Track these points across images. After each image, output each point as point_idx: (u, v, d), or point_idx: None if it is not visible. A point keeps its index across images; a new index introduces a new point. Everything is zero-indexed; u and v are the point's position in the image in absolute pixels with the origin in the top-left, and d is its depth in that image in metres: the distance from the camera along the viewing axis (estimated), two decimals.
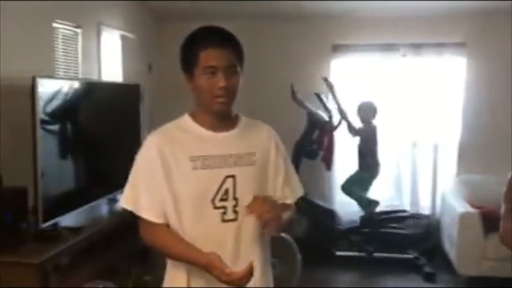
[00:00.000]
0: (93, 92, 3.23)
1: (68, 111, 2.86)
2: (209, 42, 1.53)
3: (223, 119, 1.61)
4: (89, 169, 3.13)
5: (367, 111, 4.60)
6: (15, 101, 2.65)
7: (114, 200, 3.47)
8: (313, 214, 4.65)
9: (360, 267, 4.53)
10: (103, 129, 3.24)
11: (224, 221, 1.58)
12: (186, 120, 1.63)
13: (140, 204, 1.57)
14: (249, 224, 1.60)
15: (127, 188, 1.61)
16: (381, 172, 4.68)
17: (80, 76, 3.61)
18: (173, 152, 1.57)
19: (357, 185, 4.66)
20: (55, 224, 2.54)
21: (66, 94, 2.81)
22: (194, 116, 1.62)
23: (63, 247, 2.43)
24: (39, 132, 2.41)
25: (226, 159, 1.58)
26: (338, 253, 4.65)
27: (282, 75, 4.70)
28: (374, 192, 4.75)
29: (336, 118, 4.67)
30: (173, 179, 1.55)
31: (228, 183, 1.58)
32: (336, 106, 4.59)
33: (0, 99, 2.64)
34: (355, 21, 4.85)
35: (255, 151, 1.64)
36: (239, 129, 1.65)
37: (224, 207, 1.58)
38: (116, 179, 3.40)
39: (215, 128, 1.60)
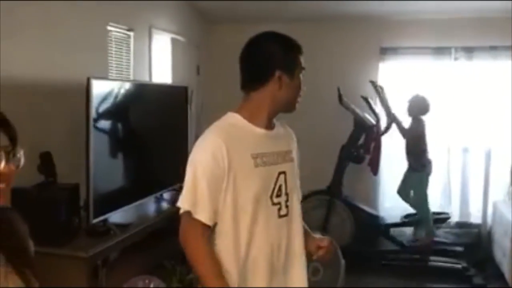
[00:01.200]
0: (143, 93, 3.31)
1: (119, 111, 2.95)
2: (300, 47, 1.67)
3: (271, 119, 1.68)
4: (138, 168, 3.21)
5: (418, 106, 4.43)
6: (70, 100, 2.77)
7: (161, 199, 3.55)
8: (358, 219, 4.58)
9: (405, 274, 4.42)
10: (152, 130, 3.32)
11: (280, 216, 1.63)
12: (237, 118, 1.62)
13: (199, 207, 1.55)
14: (296, 219, 1.68)
15: (187, 189, 1.57)
16: (430, 179, 4.53)
17: (131, 77, 3.72)
18: (236, 150, 1.55)
19: (413, 187, 4.48)
20: (105, 220, 2.63)
21: (117, 95, 2.90)
22: (243, 114, 1.63)
23: (112, 242, 2.51)
24: (92, 131, 2.50)
25: (278, 156, 1.65)
26: (382, 260, 4.55)
27: (329, 78, 4.67)
28: None
29: (383, 121, 4.60)
30: (238, 177, 1.55)
31: (281, 179, 1.63)
32: (384, 109, 4.51)
33: (57, 98, 2.76)
34: (404, 23, 4.76)
35: (291, 149, 1.73)
36: (277, 128, 1.72)
37: (279, 203, 1.62)
38: (163, 178, 3.50)
39: (265, 126, 1.65)
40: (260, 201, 1.58)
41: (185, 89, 3.81)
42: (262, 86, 1.61)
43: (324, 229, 4.34)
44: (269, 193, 1.60)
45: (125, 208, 2.91)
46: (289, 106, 1.67)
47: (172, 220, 3.23)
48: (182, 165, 3.86)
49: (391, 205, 4.76)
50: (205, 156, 1.56)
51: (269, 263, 1.61)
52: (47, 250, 2.09)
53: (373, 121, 4.55)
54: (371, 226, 4.63)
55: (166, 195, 3.61)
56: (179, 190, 3.55)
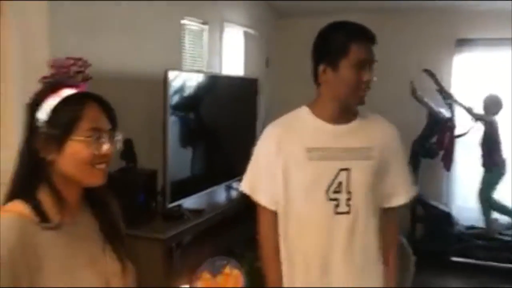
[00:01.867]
0: (215, 85, 3.42)
1: (192, 102, 3.07)
2: (362, 36, 1.54)
3: (343, 112, 1.61)
4: (209, 158, 3.33)
5: (492, 104, 4.31)
6: (148, 91, 2.92)
7: (231, 188, 3.66)
8: (429, 216, 4.47)
9: (475, 275, 4.26)
10: (223, 120, 3.42)
11: (337, 213, 1.58)
12: (304, 111, 1.65)
13: (257, 190, 1.65)
14: (364, 218, 1.59)
15: (247, 174, 1.70)
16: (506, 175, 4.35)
17: (204, 69, 3.84)
18: (290, 142, 1.61)
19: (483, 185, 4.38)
20: (179, 206, 2.76)
21: (192, 86, 3.03)
22: (312, 108, 1.64)
23: (186, 226, 2.63)
24: (170, 120, 2.62)
25: (342, 152, 1.58)
26: (454, 258, 4.42)
27: (402, 70, 4.56)
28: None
29: (458, 116, 4.45)
30: (289, 168, 1.59)
31: (342, 176, 1.57)
32: (440, 94, 4.38)
33: (136, 89, 2.92)
34: (481, 14, 4.54)
35: (373, 146, 1.61)
36: (358, 122, 1.63)
37: (337, 200, 1.58)
38: (233, 168, 3.60)
39: (334, 120, 1.60)
40: (311, 195, 1.58)
41: (255, 82, 3.88)
42: (319, 79, 1.61)
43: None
44: (324, 188, 1.57)
45: (198, 194, 3.04)
46: (348, 99, 1.58)
47: (241, 208, 3.37)
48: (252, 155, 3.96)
49: (464, 200, 4.59)
50: (261, 144, 1.68)
51: (319, 258, 1.60)
52: (127, 231, 2.23)
53: (447, 115, 4.41)
54: (444, 224, 4.49)
55: (236, 184, 3.72)
56: None
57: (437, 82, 4.39)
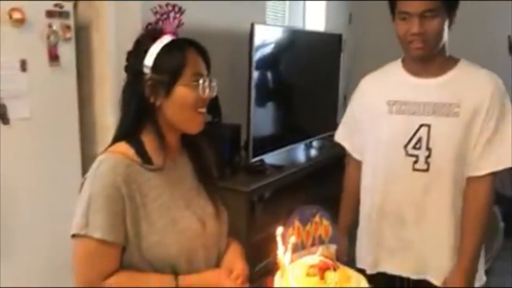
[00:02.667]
0: (299, 40, 3.35)
1: (276, 57, 3.05)
2: None
3: (427, 65, 1.53)
4: (290, 115, 3.32)
5: None
6: (232, 46, 2.93)
7: (311, 146, 3.65)
8: None
9: None
10: (305, 77, 3.37)
11: (414, 170, 1.54)
12: (395, 64, 1.63)
13: (346, 138, 1.76)
14: (442, 178, 1.52)
15: (341, 123, 1.79)
16: None
17: (286, 24, 3.79)
18: (374, 94, 1.62)
19: None
20: (262, 160, 2.80)
21: (276, 41, 3.00)
22: (404, 61, 1.61)
23: (268, 181, 2.68)
24: (254, 75, 2.63)
25: (424, 106, 1.52)
26: None
27: (499, 25, 4.23)
28: None
29: None
30: (371, 121, 1.61)
31: (423, 132, 1.52)
32: None
33: (221, 44, 2.94)
34: None
35: (461, 102, 1.49)
36: (448, 76, 1.53)
37: (416, 156, 1.53)
38: (313, 126, 3.58)
39: (419, 73, 1.54)
40: (390, 149, 1.56)
41: (339, 37, 3.78)
42: None
43: None
44: (403, 143, 1.54)
45: (279, 151, 3.06)
46: (406, 52, 1.54)
47: (319, 167, 3.36)
48: (333, 114, 3.89)
49: None
50: (353, 95, 1.74)
51: (396, 212, 1.58)
52: None
53: None
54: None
55: (315, 142, 3.70)
56: (328, 139, 3.63)
57: None
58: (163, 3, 1.23)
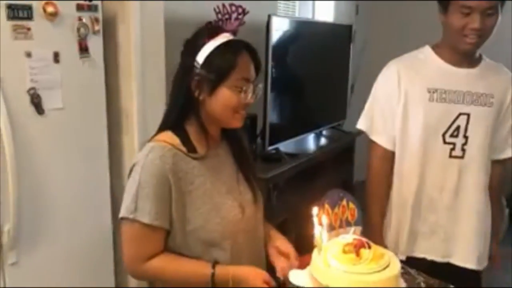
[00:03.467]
0: (311, 31, 3.41)
1: (290, 48, 3.12)
2: None
3: (465, 56, 1.61)
4: (302, 104, 3.40)
5: None
6: (246, 37, 2.98)
7: (320, 135, 3.73)
8: None
9: None
10: (317, 68, 3.44)
11: (451, 156, 1.62)
12: (427, 51, 1.67)
13: (375, 128, 1.72)
14: (476, 165, 1.62)
15: (365, 112, 1.75)
16: None
17: (296, 15, 3.85)
18: (412, 81, 1.63)
19: None
20: (277, 149, 2.88)
21: (290, 33, 3.06)
22: (436, 49, 1.66)
23: (285, 168, 2.77)
24: (271, 65, 2.70)
25: (464, 96, 1.60)
26: None
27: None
28: None
29: None
30: (409, 108, 1.63)
31: (461, 120, 1.60)
32: None
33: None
34: None
35: (494, 93, 1.61)
36: (480, 68, 1.63)
37: (453, 143, 1.61)
38: (323, 116, 3.66)
39: (457, 63, 1.61)
40: (428, 136, 1.62)
41: (349, 28, 3.84)
42: (441, 19, 1.60)
43: None
44: (442, 131, 1.61)
45: (293, 140, 3.14)
46: (456, 44, 1.57)
47: (329, 156, 3.44)
48: (343, 104, 3.96)
49: None
50: (380, 81, 1.71)
51: (430, 197, 1.66)
52: None
53: None
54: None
55: (326, 131, 3.78)
56: (337, 128, 3.70)
57: None
58: (223, 2, 1.28)
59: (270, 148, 2.81)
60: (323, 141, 3.71)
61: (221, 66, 1.20)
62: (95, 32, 1.98)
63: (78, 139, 1.98)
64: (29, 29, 1.76)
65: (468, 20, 1.50)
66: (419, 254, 1.70)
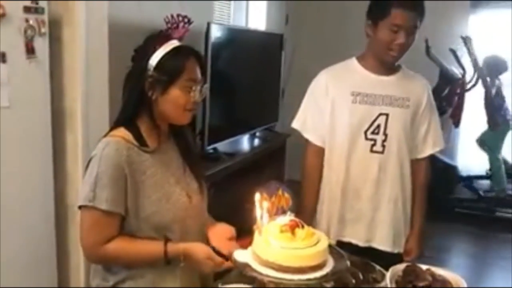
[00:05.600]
0: (245, 39, 3.63)
1: (225, 54, 3.29)
2: (403, 4, 1.71)
3: (384, 65, 1.85)
4: (237, 108, 3.58)
5: (495, 65, 4.54)
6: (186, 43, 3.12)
7: (254, 136, 3.94)
8: (436, 168, 4.74)
9: (478, 224, 4.60)
10: (251, 73, 3.65)
11: (372, 151, 1.86)
12: (352, 62, 1.91)
13: (307, 127, 1.93)
14: (395, 158, 1.86)
15: (299, 113, 1.96)
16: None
17: (231, 23, 4.03)
18: (338, 86, 1.87)
19: (490, 141, 4.69)
20: (215, 148, 3.04)
21: (227, 40, 3.23)
22: (360, 59, 1.90)
23: (222, 166, 2.93)
24: (209, 71, 2.85)
25: (383, 98, 1.83)
26: (457, 209, 4.75)
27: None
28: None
29: (469, 75, 4.66)
30: (336, 109, 1.86)
31: (381, 120, 1.83)
32: (472, 61, 4.57)
33: None
34: None
35: (410, 97, 1.85)
36: (398, 76, 1.88)
37: (374, 140, 1.85)
38: (256, 119, 3.87)
39: (377, 71, 1.85)
40: (352, 134, 1.85)
41: (280, 37, 4.09)
42: (367, 34, 1.83)
43: None
44: (364, 129, 1.84)
45: (229, 140, 3.32)
46: (382, 57, 1.80)
47: (263, 154, 3.65)
48: (275, 107, 4.21)
49: (470, 157, 4.89)
50: (312, 87, 1.95)
51: (355, 188, 1.89)
52: None
53: (459, 75, 4.62)
54: (448, 176, 4.79)
55: (260, 133, 4.00)
56: (270, 130, 3.93)
57: (468, 46, 4.56)
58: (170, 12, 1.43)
59: (209, 148, 2.96)
60: (257, 141, 3.92)
61: (172, 69, 1.35)
62: (41, 34, 2.04)
63: (23, 136, 2.03)
64: None
65: (395, 36, 1.74)
66: (346, 238, 1.91)
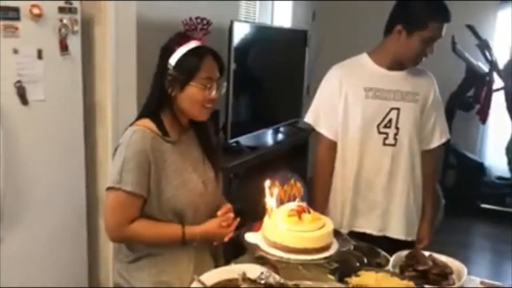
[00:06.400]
0: (270, 36, 3.71)
1: (250, 51, 3.40)
2: (441, 18, 1.81)
3: (397, 63, 1.91)
4: (261, 103, 3.68)
5: None
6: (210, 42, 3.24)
7: (277, 131, 4.04)
8: (462, 165, 4.75)
9: (504, 221, 4.56)
10: (275, 69, 3.74)
11: (384, 144, 1.93)
12: (363, 57, 1.98)
13: (319, 121, 2.00)
14: (407, 151, 1.93)
15: (311, 107, 2.04)
16: None
17: (257, 20, 4.13)
18: (351, 82, 1.93)
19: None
20: (238, 142, 3.16)
21: (251, 37, 3.34)
22: (372, 54, 1.96)
23: (244, 159, 3.04)
24: (233, 66, 2.97)
25: (394, 93, 1.91)
26: (483, 205, 4.73)
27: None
28: None
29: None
30: (348, 104, 1.93)
31: (393, 114, 1.90)
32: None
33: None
34: None
35: (419, 91, 1.93)
36: (407, 71, 1.94)
37: (386, 133, 1.92)
38: (280, 114, 3.96)
39: (389, 67, 1.92)
40: (365, 127, 1.91)
41: (305, 33, 4.16)
42: (389, 34, 1.90)
43: None
44: (377, 123, 1.91)
45: (252, 134, 3.42)
46: (406, 61, 1.88)
47: (286, 149, 3.74)
48: (298, 103, 4.29)
49: (497, 154, 4.84)
50: (325, 82, 2.01)
51: (368, 179, 1.95)
52: None
53: (486, 70, 4.59)
54: (474, 173, 4.77)
55: (283, 128, 4.09)
56: (293, 125, 4.01)
57: (478, 36, 4.53)
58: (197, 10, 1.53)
59: (231, 141, 3.08)
60: (280, 136, 4.01)
61: (189, 68, 1.47)
62: (74, 32, 2.20)
63: (57, 128, 2.19)
64: (16, 28, 1.97)
65: (426, 46, 1.83)
66: (359, 228, 1.98)
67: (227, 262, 1.66)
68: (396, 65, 1.92)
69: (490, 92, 4.63)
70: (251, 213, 2.84)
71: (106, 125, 2.42)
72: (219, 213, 1.56)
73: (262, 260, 1.52)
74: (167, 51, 1.50)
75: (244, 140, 3.32)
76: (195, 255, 1.54)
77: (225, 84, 1.57)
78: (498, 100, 4.70)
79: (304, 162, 4.16)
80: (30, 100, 2.04)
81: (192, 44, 1.50)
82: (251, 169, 3.28)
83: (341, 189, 2.01)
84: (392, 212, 1.98)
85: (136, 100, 2.48)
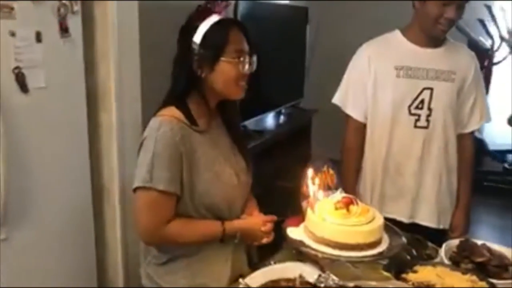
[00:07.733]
0: (268, 13, 3.52)
1: (251, 29, 3.21)
2: None
3: (430, 38, 1.80)
4: (261, 85, 3.51)
5: None
6: None
7: (280, 113, 3.90)
8: None
9: (504, 195, 4.54)
10: (275, 49, 3.57)
11: (416, 127, 1.82)
12: (396, 34, 1.86)
13: (348, 103, 1.89)
14: (440, 134, 1.82)
15: (340, 88, 1.92)
16: None
17: None
18: (380, 60, 1.82)
19: None
20: (244, 126, 3.01)
21: (251, 14, 3.16)
22: (404, 31, 1.85)
23: (252, 144, 2.90)
24: None
25: (427, 72, 1.79)
26: (486, 183, 4.69)
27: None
28: None
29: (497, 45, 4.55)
30: (378, 84, 1.82)
31: (425, 94, 1.79)
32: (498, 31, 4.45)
33: None
34: None
35: (456, 70, 1.80)
36: (444, 48, 1.82)
37: (418, 115, 1.81)
38: (281, 95, 3.81)
39: (423, 44, 1.80)
40: (395, 109, 1.80)
41: (305, 10, 3.99)
42: (415, 6, 1.79)
43: None
44: (408, 104, 1.80)
45: (256, 118, 3.28)
46: (427, 30, 1.76)
47: (289, 132, 3.61)
48: (300, 83, 4.12)
49: (498, 130, 4.80)
50: (353, 62, 1.90)
51: (397, 164, 1.85)
52: None
53: (488, 45, 4.51)
54: (475, 149, 4.72)
55: (285, 110, 3.95)
56: (295, 106, 3.87)
57: (493, 18, 4.43)
58: None
59: None
60: (282, 118, 3.87)
61: (216, 42, 1.32)
62: (74, 12, 2.01)
63: (60, 117, 2.02)
64: (12, 8, 1.77)
65: (445, 9, 1.69)
66: (388, 215, 1.85)
67: (261, 259, 1.54)
68: (430, 41, 1.80)
69: (490, 67, 4.57)
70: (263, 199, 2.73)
71: (110, 111, 2.26)
72: (264, 218, 1.45)
73: (302, 256, 1.40)
74: (189, 29, 1.35)
75: (248, 124, 3.17)
76: (232, 253, 1.41)
77: (255, 58, 1.42)
78: (497, 74, 4.64)
79: (308, 143, 4.04)
80: (31, 87, 1.86)
81: (215, 18, 1.35)
82: (258, 154, 3.14)
83: (370, 173, 1.92)
84: (422, 198, 1.88)
85: (140, 84, 2.33)
